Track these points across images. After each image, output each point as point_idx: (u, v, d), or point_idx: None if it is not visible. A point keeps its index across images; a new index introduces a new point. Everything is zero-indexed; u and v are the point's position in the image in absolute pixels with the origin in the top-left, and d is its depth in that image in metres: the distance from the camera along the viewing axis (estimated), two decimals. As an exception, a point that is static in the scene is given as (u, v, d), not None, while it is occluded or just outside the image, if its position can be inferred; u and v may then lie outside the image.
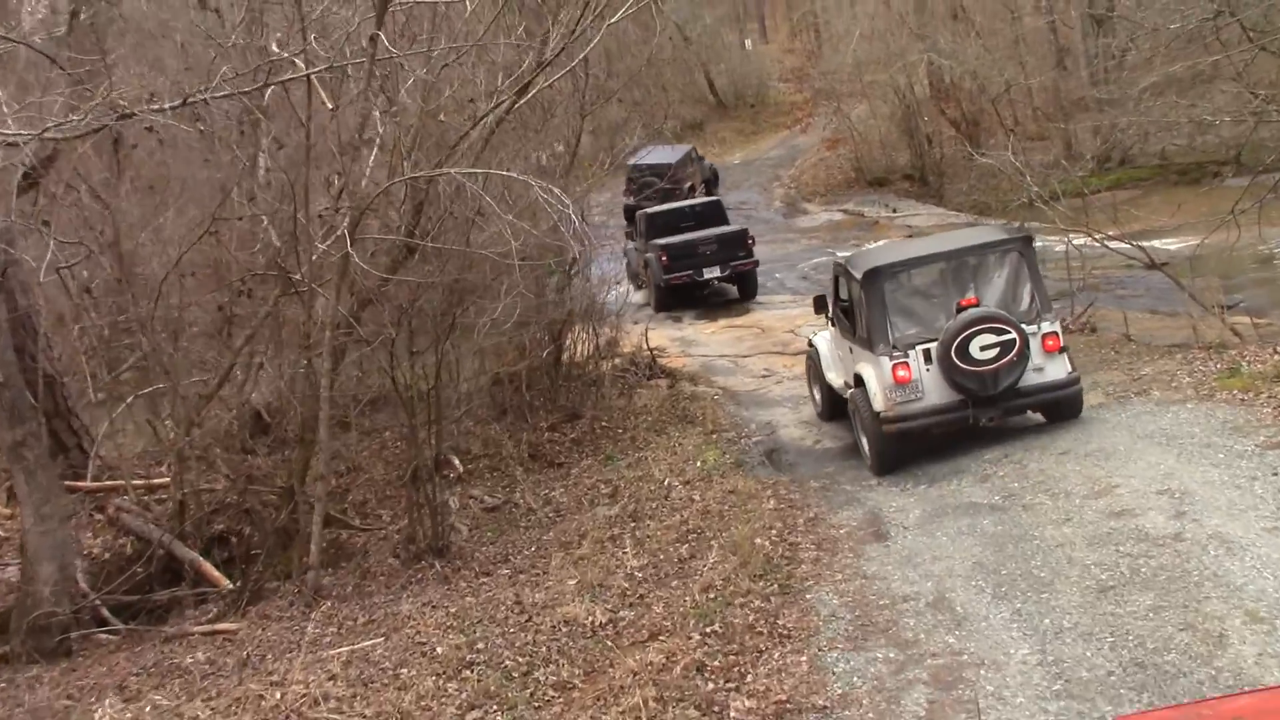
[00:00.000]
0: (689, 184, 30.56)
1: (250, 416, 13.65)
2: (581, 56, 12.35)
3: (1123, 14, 16.99)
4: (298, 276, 10.16)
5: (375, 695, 7.30)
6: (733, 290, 22.29)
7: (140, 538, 11.38)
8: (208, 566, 10.92)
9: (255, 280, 10.95)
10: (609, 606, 8.40)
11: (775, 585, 8.15)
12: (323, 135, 11.01)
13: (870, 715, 6.20)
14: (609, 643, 7.72)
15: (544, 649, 7.69)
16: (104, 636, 10.00)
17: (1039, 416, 11.03)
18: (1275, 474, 8.03)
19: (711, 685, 6.79)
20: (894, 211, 29.68)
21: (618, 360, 17.21)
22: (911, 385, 10.28)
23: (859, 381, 10.98)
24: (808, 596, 7.85)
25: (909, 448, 10.60)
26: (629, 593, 8.70)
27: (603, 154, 17.18)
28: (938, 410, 10.33)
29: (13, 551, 11.43)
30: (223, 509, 11.91)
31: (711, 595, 8.17)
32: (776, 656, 6.98)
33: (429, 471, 10.94)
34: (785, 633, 7.28)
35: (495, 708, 6.96)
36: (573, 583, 9.14)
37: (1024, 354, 10.06)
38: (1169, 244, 18.56)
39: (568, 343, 15.69)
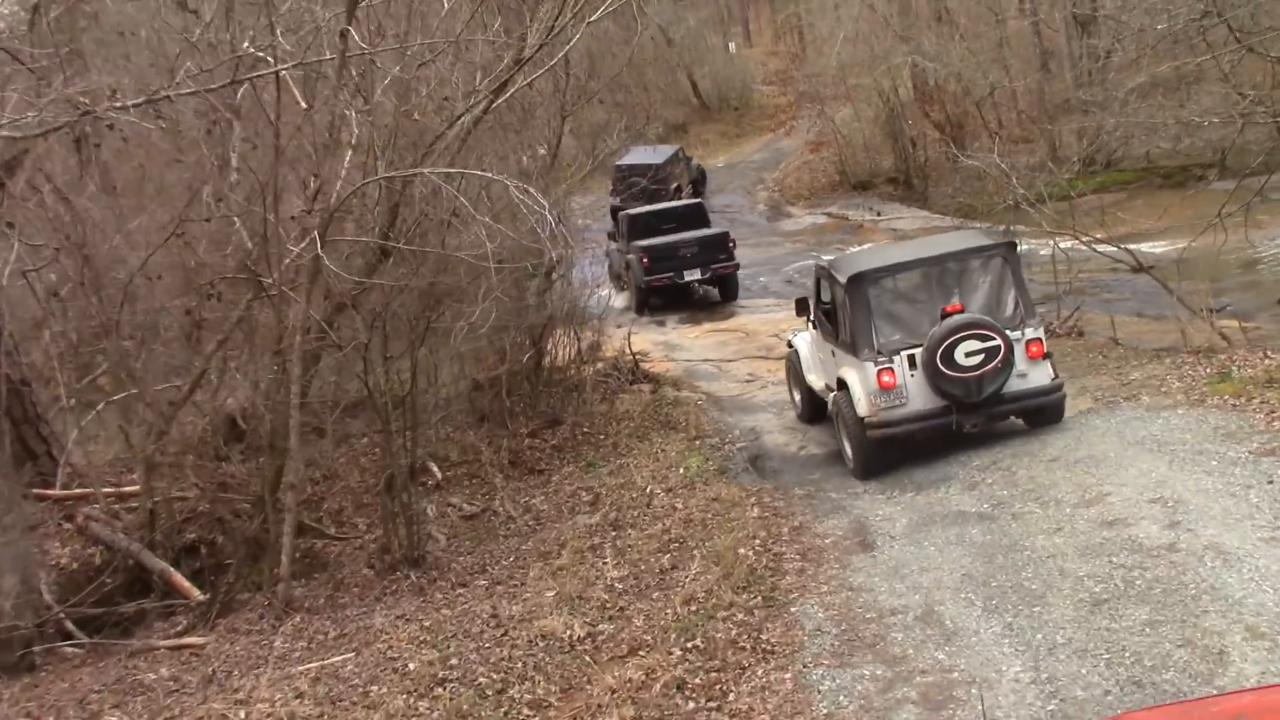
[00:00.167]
0: (675, 184, 30.48)
1: (224, 423, 13.34)
2: (561, 55, 12.14)
3: (1108, 15, 16.83)
4: (269, 280, 9.88)
5: (343, 714, 7.04)
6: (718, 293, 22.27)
7: (109, 547, 11.07)
8: (178, 577, 10.62)
9: (225, 284, 10.66)
10: (588, 619, 8.16)
11: (759, 597, 7.91)
12: (297, 135, 10.77)
13: (857, 736, 5.98)
14: (587, 658, 7.47)
15: (520, 665, 7.43)
16: (69, 650, 9.71)
17: (1020, 422, 10.93)
18: (1271, 482, 7.83)
19: (692, 704, 6.55)
20: (878, 215, 29.50)
21: (600, 365, 16.97)
22: (896, 391, 10.26)
23: (842, 385, 10.90)
24: (792, 609, 7.61)
25: (892, 453, 10.52)
26: (609, 605, 8.45)
27: (582, 155, 16.92)
28: (922, 416, 10.30)
29: (-25, 563, 11.09)
30: (194, 518, 11.62)
31: (693, 608, 7.93)
32: (760, 674, 6.74)
33: (405, 479, 10.67)
34: (769, 648, 7.04)
35: (468, 728, 6.70)
36: (551, 594, 8.89)
37: (1008, 361, 10.04)
38: (1154, 247, 18.42)
39: (549, 347, 15.43)
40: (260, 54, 9.09)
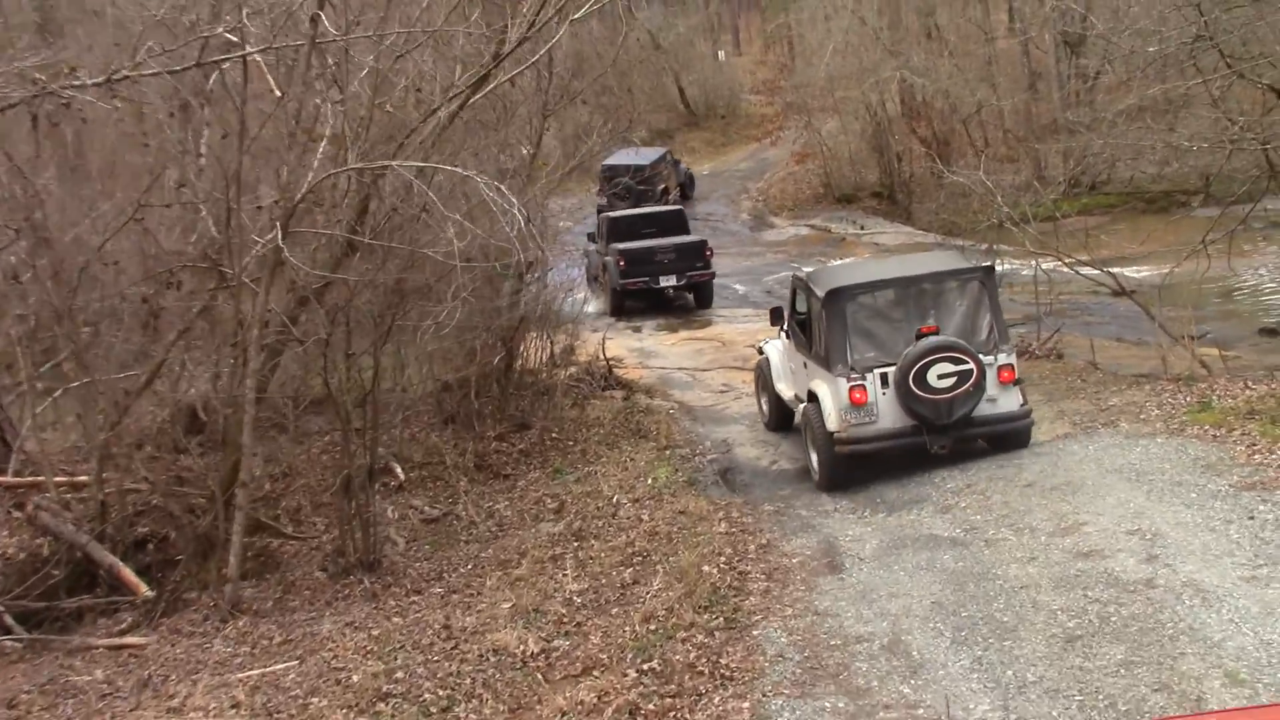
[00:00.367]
0: (662, 186, 30.54)
1: (185, 414, 12.99)
2: (542, 51, 11.82)
3: (1099, 36, 16.69)
4: (229, 270, 9.55)
5: (280, 728, 6.71)
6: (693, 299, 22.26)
7: (58, 538, 10.70)
8: (126, 572, 10.28)
9: (186, 273, 10.32)
10: (543, 634, 7.86)
11: (720, 618, 7.62)
12: (269, 123, 10.45)
13: (816, 771, 5.70)
14: (539, 676, 7.17)
15: (468, 681, 7.13)
16: (8, 645, 9.35)
17: (987, 444, 10.83)
18: (1252, 518, 7.61)
19: (645, 731, 6.25)
20: (861, 229, 29.35)
21: (573, 369, 16.69)
22: (867, 408, 10.24)
23: (812, 397, 10.86)
24: (754, 633, 7.33)
25: (858, 468, 10.49)
26: (566, 620, 8.16)
27: (560, 157, 16.63)
28: (891, 435, 10.29)
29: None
30: (148, 511, 11.29)
31: (652, 627, 7.64)
32: (717, 701, 6.44)
33: (363, 481, 10.34)
34: (728, 674, 6.75)
35: (409, 747, 6.39)
36: (507, 606, 8.59)
37: (980, 385, 10.05)
38: (1137, 272, 18.30)
39: (520, 349, 15.12)
40: (224, 34, 8.78)
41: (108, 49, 9.70)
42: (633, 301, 21.70)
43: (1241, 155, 14.69)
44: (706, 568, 8.64)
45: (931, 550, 8.30)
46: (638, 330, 20.73)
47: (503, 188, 8.09)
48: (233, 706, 7.01)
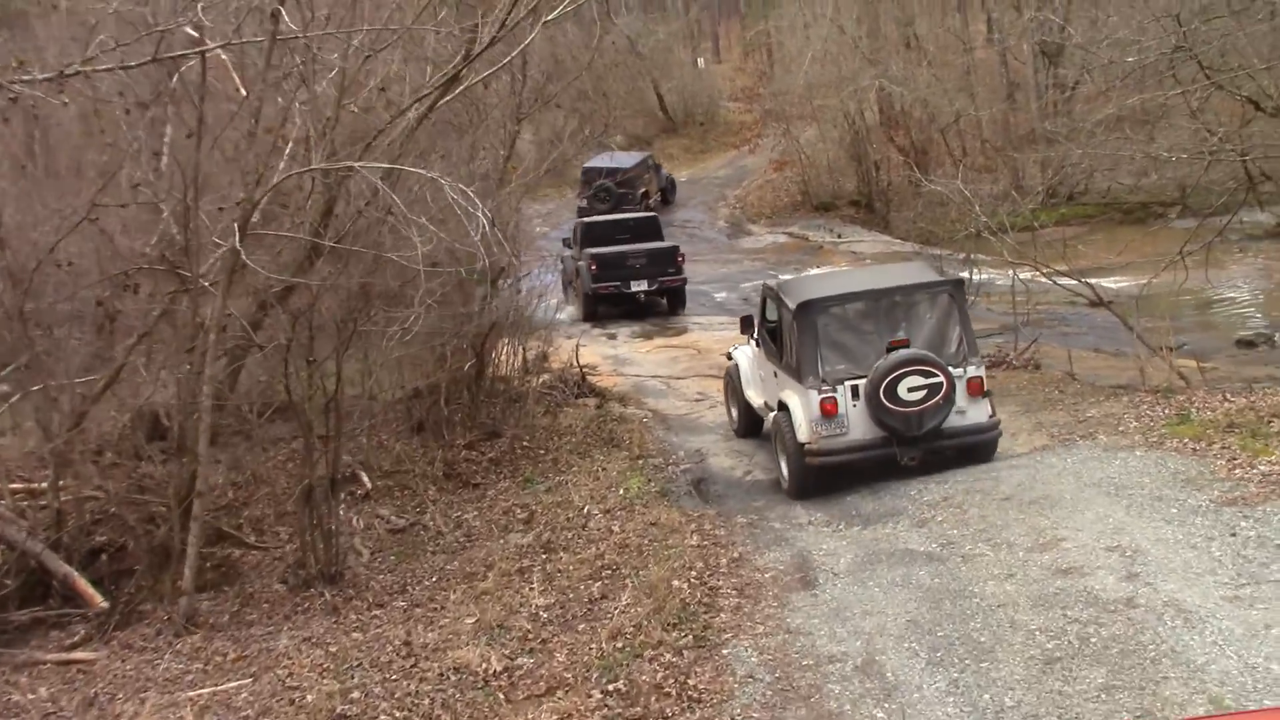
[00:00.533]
0: (643, 189, 30.65)
1: (147, 420, 12.66)
2: (515, 53, 11.62)
3: (1078, 46, 16.61)
4: (187, 273, 9.25)
5: (228, 751, 6.42)
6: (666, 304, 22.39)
7: (11, 547, 10.36)
8: (81, 583, 9.94)
9: (145, 275, 10.01)
10: (506, 652, 7.60)
11: (690, 636, 7.37)
12: (234, 123, 10.16)
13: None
14: (501, 696, 6.91)
15: (426, 701, 6.86)
16: (-46, 659, 9.00)
17: (965, 455, 10.74)
18: (1234, 534, 7.43)
19: (607, 756, 6.00)
20: (839, 237, 29.24)
21: (546, 377, 16.44)
22: (837, 419, 10.31)
23: (783, 407, 10.91)
24: (724, 651, 7.08)
25: (829, 478, 10.55)
26: (530, 636, 7.90)
27: (535, 161, 16.40)
28: (861, 446, 10.36)
29: None
30: (105, 519, 10.95)
31: (620, 645, 7.39)
32: (684, 724, 6.21)
33: (325, 491, 10.05)
34: (696, 695, 6.51)
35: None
36: (471, 621, 8.32)
37: (950, 397, 10.14)
38: (1113, 282, 18.21)
39: (492, 356, 14.85)
40: (191, 31, 8.51)
41: (64, 44, 9.37)
42: (605, 307, 21.67)
43: (1219, 167, 14.62)
44: (677, 583, 8.40)
45: (907, 566, 8.09)
46: (612, 337, 20.51)
47: (469, 190, 7.83)
48: (180, 727, 6.72)
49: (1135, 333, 13.94)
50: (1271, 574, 6.75)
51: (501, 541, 10.63)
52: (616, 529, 10.30)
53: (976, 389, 10.45)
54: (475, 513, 11.79)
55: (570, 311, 22.22)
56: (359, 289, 9.61)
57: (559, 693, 6.76)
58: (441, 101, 10.89)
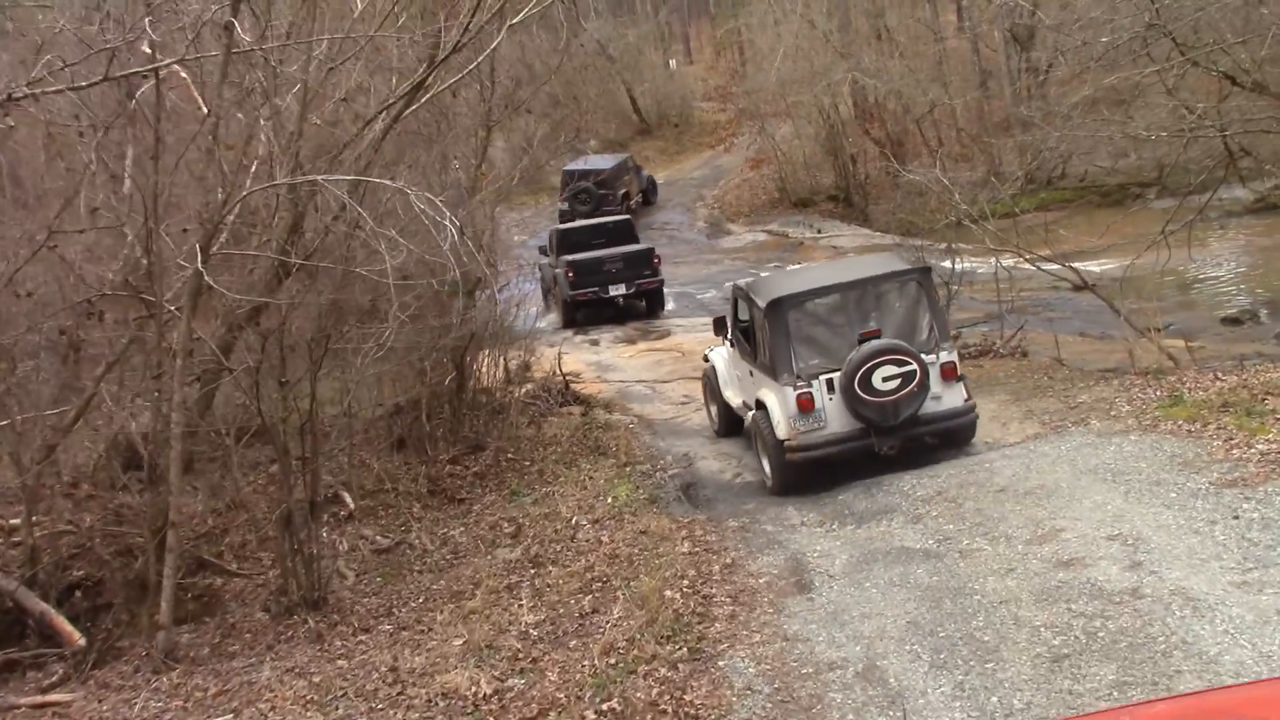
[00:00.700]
0: (624, 191, 30.84)
1: (123, 449, 12.39)
2: (481, 58, 11.39)
3: (1051, 28, 16.48)
4: (151, 298, 8.99)
5: (208, 792, 6.16)
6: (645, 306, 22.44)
7: (-15, 586, 10.07)
8: (59, 620, 9.65)
9: (107, 302, 9.74)
10: (497, 673, 7.36)
11: (684, 648, 7.14)
12: (195, 141, 9.91)
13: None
14: (491, 720, 6.67)
15: (414, 730, 6.61)
16: (-71, 707, 8.71)
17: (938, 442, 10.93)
18: (1236, 517, 7.23)
19: (603, 780, 5.77)
20: (819, 232, 29.07)
21: (529, 387, 16.21)
22: (814, 414, 10.38)
23: (760, 405, 10.97)
24: (720, 664, 6.85)
25: (810, 473, 10.58)
26: (521, 655, 7.66)
27: (508, 168, 16.17)
28: (840, 439, 10.43)
29: None
30: (82, 554, 10.67)
31: (613, 660, 7.15)
32: (681, 743, 5.98)
33: (305, 514, 9.79)
34: (693, 712, 6.27)
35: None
36: (459, 643, 8.08)
37: (924, 385, 10.20)
38: (1094, 265, 18.08)
39: (474, 368, 14.61)
40: (147, 50, 8.25)
41: (13, 67, 9.10)
42: (584, 312, 21.72)
43: (1197, 145, 14.48)
44: (669, 593, 8.17)
45: (904, 564, 7.88)
46: (595, 343, 20.30)
47: (437, 200, 7.60)
48: (158, 770, 6.46)
49: (1122, 315, 13.79)
50: (1278, 557, 6.56)
51: (489, 557, 10.40)
52: (606, 539, 10.08)
53: (950, 374, 10.52)
54: (461, 529, 11.55)
55: (551, 319, 22.08)
56: (330, 306, 9.35)
57: (551, 714, 6.53)
58: (408, 111, 10.67)
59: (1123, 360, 13.38)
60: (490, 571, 9.82)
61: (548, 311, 22.30)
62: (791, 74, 32.07)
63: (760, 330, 10.97)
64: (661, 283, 22.08)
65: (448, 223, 7.09)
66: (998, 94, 30.53)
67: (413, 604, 9.51)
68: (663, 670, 6.84)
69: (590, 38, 38.18)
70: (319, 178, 8.25)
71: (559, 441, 14.01)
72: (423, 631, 8.64)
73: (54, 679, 9.06)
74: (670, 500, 11.31)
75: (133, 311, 10.46)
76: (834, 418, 10.35)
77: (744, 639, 7.17)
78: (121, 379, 11.21)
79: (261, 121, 10.53)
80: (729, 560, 8.95)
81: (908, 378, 10.07)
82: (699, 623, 7.55)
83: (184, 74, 10.45)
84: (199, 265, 7.77)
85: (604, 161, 31.38)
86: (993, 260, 16.37)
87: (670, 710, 6.32)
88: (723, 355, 12.89)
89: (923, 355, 10.23)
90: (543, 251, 23.47)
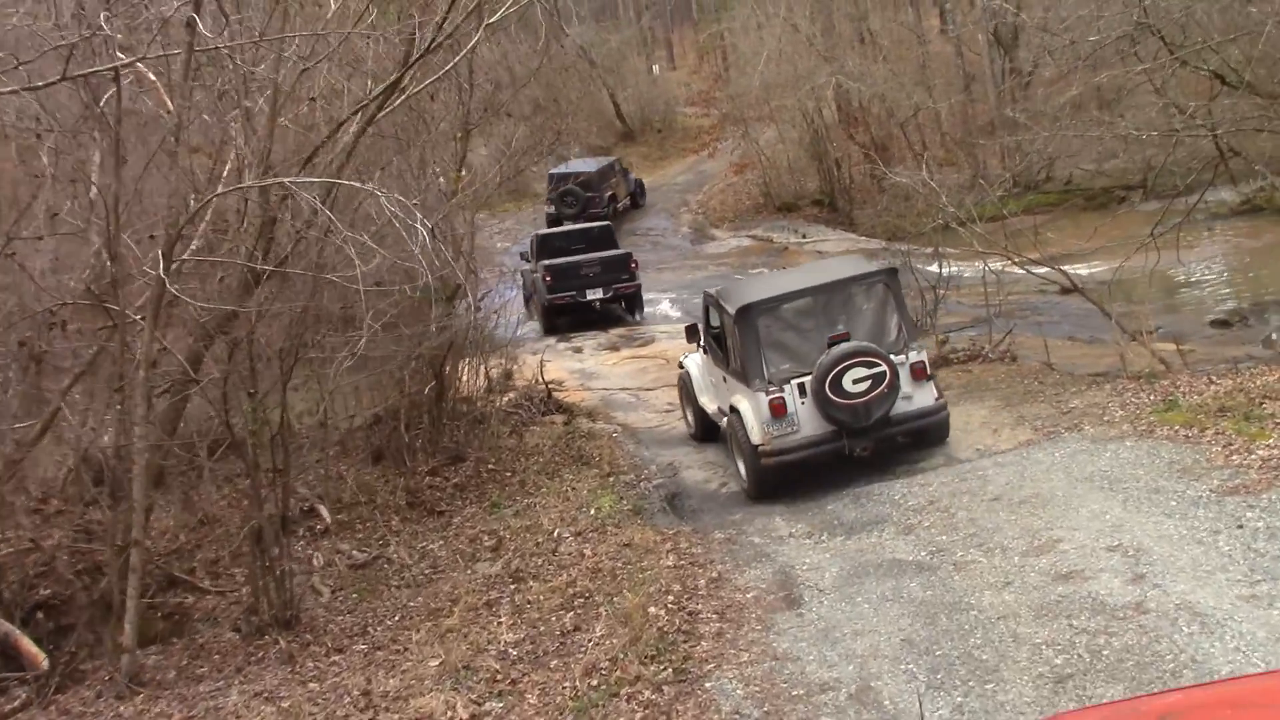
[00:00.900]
0: (610, 193, 30.96)
1: (95, 463, 12.03)
2: (460, 57, 11.08)
3: (1039, 28, 16.29)
4: (115, 307, 8.65)
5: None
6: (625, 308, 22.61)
7: (-51, 608, 9.69)
8: (25, 641, 9.29)
9: (69, 311, 9.39)
10: (474, 696, 7.06)
11: (669, 669, 6.84)
12: (162, 145, 9.57)
13: None
14: (467, 748, 6.36)
15: (386, 760, 6.29)
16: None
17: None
18: (1240, 526, 6.98)
19: (585, 812, 5.47)
20: (804, 237, 28.84)
21: (511, 395, 15.89)
22: (787, 418, 10.45)
23: (734, 411, 11.02)
24: (707, 685, 6.56)
25: (785, 476, 10.62)
26: (499, 677, 7.37)
27: (491, 173, 15.87)
28: (813, 442, 10.49)
29: None
30: (50, 571, 10.31)
31: (594, 682, 6.87)
32: (666, 772, 5.68)
33: (276, 530, 9.46)
34: (678, 739, 5.98)
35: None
36: (435, 663, 7.77)
37: (894, 385, 10.29)
38: (1083, 269, 17.90)
39: (455, 377, 14.29)
40: (121, 54, 7.93)
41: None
42: (563, 317, 21.77)
43: (1184, 146, 14.29)
44: (653, 609, 7.88)
45: (896, 577, 7.60)
46: (578, 351, 20.00)
47: (410, 204, 7.29)
48: (115, 805, 6.12)
49: (1113, 318, 13.56)
50: (1287, 568, 6.31)
51: (468, 572, 10.11)
52: (588, 552, 9.79)
53: (920, 373, 10.60)
54: (440, 542, 11.24)
55: (534, 325, 21.88)
56: (301, 314, 9.03)
57: (530, 741, 6.22)
58: (382, 113, 10.35)
59: (1113, 364, 13.16)
60: (469, 587, 9.52)
61: (530, 318, 22.07)
62: (775, 78, 31.87)
63: (731, 337, 11.03)
64: (639, 287, 22.23)
65: (419, 225, 6.79)
66: (982, 98, 30.38)
67: (388, 622, 9.20)
68: (647, 693, 6.55)
69: (573, 42, 37.95)
70: (288, 180, 7.92)
71: (541, 451, 13.70)
72: (398, 651, 8.33)
73: (15, 704, 8.70)
74: (655, 511, 11.03)
75: (97, 321, 10.13)
76: (807, 421, 10.42)
77: (731, 658, 6.88)
78: (92, 391, 10.88)
79: (232, 125, 10.21)
80: (715, 574, 8.66)
81: (878, 379, 10.14)
82: (684, 641, 7.26)
83: (152, 75, 10.14)
84: (161, 273, 7.44)
85: (590, 165, 31.51)
86: (979, 263, 16.16)
87: (654, 736, 6.03)
88: (697, 362, 12.97)
89: (892, 356, 10.31)
90: (524, 257, 23.44)
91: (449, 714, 6.75)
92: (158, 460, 10.05)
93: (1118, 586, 6.54)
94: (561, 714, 6.48)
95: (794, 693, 6.28)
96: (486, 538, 11.01)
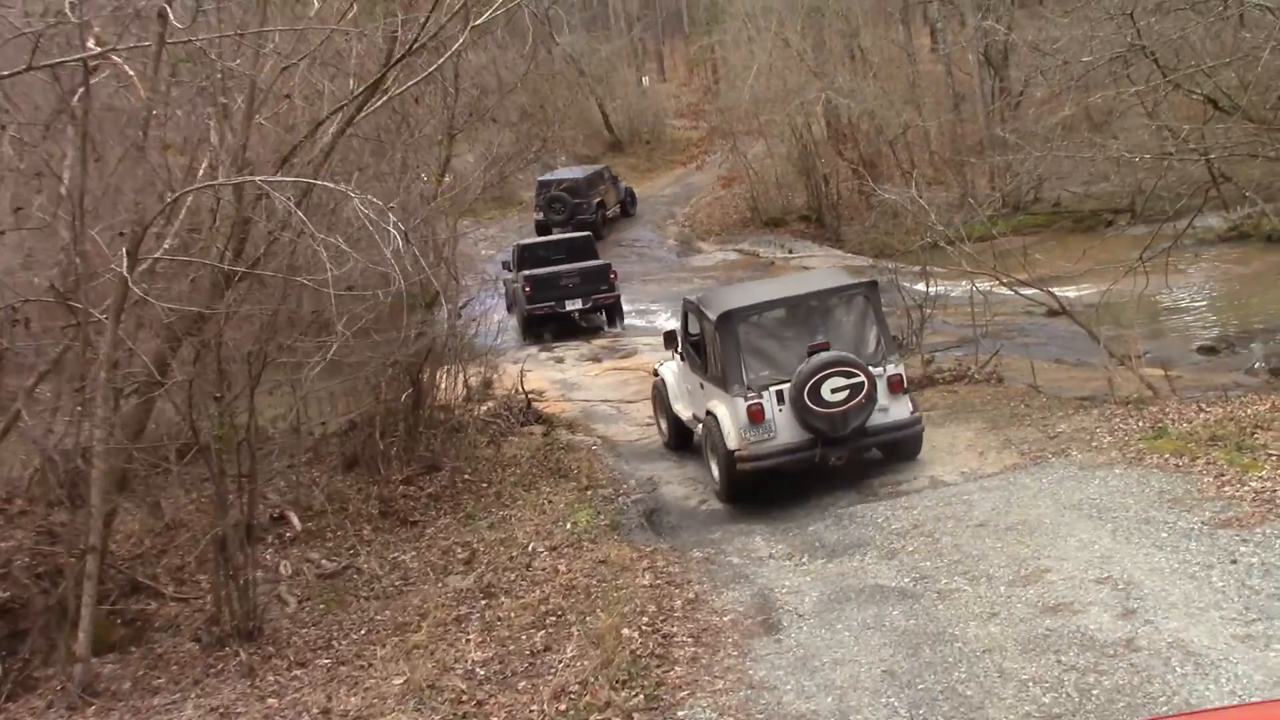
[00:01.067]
0: (599, 200, 31.05)
1: (61, 463, 11.70)
2: (445, 58, 10.84)
3: (1032, 47, 16.17)
4: (78, 305, 8.36)
5: None
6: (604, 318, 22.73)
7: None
8: (-21, 648, 8.96)
9: (33, 308, 9.10)
10: (437, 718, 6.78)
11: (641, 695, 6.58)
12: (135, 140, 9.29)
13: None
14: (428, 775, 6.08)
15: (343, 785, 6.01)
16: None
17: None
18: (1234, 561, 6.77)
19: None
20: (790, 252, 28.70)
21: (490, 404, 15.64)
22: (764, 425, 10.53)
23: (711, 416, 11.09)
24: (680, 714, 6.30)
25: (759, 482, 10.72)
26: (465, 698, 7.09)
27: (477, 178, 15.63)
28: (789, 449, 10.54)
29: None
30: (7, 574, 10.00)
31: (563, 706, 6.60)
32: (635, 807, 5.42)
33: (241, 538, 9.17)
34: (648, 771, 5.73)
35: None
36: (399, 682, 7.49)
37: (872, 396, 10.34)
38: (1070, 291, 17.79)
39: (433, 384, 14.02)
40: (94, 45, 7.65)
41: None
42: (544, 327, 21.88)
43: (1175, 171, 14.17)
44: (627, 631, 7.62)
45: (879, 604, 7.37)
46: (560, 361, 19.79)
47: (383, 207, 7.04)
48: (55, 827, 5.83)
49: (1101, 342, 13.40)
50: (1283, 607, 6.10)
51: (439, 585, 9.84)
52: (563, 568, 9.53)
53: (897, 386, 10.70)
54: (413, 553, 10.98)
55: (514, 334, 21.79)
56: (272, 317, 8.76)
57: (493, 769, 5.95)
58: (362, 114, 10.09)
59: (1100, 388, 13.01)
60: (439, 601, 9.25)
61: (510, 327, 21.98)
62: (765, 92, 31.78)
63: (711, 343, 11.08)
64: (618, 297, 22.38)
65: (392, 229, 6.55)
66: (971, 117, 30.33)
67: (354, 635, 8.92)
68: (617, 720, 6.29)
69: (562, 51, 37.80)
70: (259, 179, 7.66)
71: (519, 462, 13.46)
72: (362, 668, 8.05)
73: (-35, 713, 8.39)
74: (632, 527, 10.79)
75: (63, 320, 9.84)
76: (783, 428, 10.49)
77: (706, 685, 6.62)
78: (60, 390, 10.58)
79: (211, 121, 9.95)
80: (692, 595, 8.41)
81: (855, 389, 10.21)
82: (658, 665, 7.00)
83: (129, 69, 9.87)
84: (124, 271, 7.16)
85: (579, 172, 31.61)
86: (966, 283, 16.00)
87: (624, 769, 5.77)
88: (673, 369, 13.06)
89: (870, 368, 10.38)
90: (506, 267, 23.50)
91: (411, 737, 6.48)
92: (121, 463, 9.76)
93: (1108, 621, 6.31)
94: (528, 740, 6.22)
95: (770, 725, 6.04)
96: (459, 550, 10.76)
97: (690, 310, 12.20)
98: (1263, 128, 12.88)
